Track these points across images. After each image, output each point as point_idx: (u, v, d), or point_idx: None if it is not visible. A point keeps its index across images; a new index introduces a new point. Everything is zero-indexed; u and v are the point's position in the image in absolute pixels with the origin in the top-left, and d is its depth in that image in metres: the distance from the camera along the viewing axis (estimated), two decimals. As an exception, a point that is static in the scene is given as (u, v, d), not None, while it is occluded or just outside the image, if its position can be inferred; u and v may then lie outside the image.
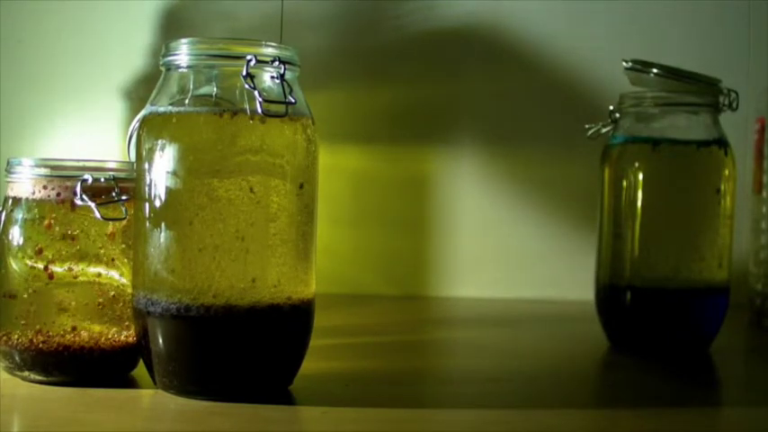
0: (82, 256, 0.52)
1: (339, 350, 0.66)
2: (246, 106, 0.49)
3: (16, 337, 0.52)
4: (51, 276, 0.52)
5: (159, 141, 0.49)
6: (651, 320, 0.67)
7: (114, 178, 0.52)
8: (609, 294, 0.69)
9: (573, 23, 0.96)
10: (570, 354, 0.69)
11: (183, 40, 0.50)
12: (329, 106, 0.93)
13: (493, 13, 0.95)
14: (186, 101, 0.50)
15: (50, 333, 0.51)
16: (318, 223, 0.53)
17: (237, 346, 0.49)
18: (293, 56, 0.51)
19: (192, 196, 0.48)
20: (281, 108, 0.49)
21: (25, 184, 0.53)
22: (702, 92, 0.68)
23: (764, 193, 0.81)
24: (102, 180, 0.52)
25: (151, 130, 0.50)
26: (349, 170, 0.95)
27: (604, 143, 0.71)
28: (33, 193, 0.52)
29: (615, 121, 0.71)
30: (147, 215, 0.50)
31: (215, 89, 0.50)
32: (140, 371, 0.53)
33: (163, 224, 0.49)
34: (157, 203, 0.49)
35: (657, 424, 0.50)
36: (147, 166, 0.50)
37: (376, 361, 0.64)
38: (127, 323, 0.53)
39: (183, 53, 0.50)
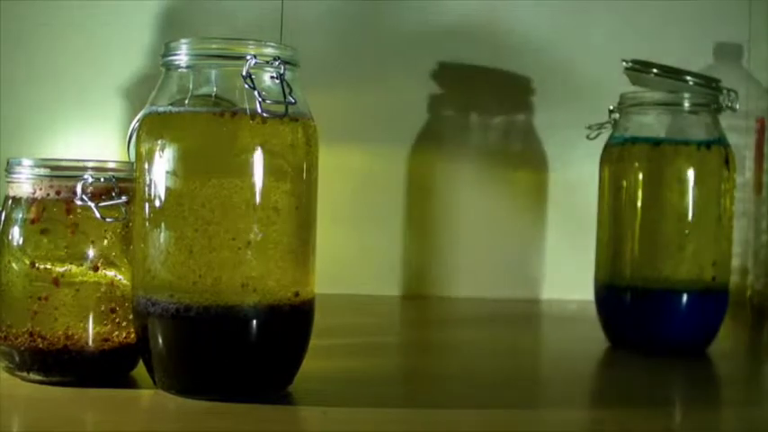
0: (82, 257, 0.52)
1: (339, 350, 0.66)
2: (246, 106, 0.49)
3: (16, 337, 0.52)
4: (51, 276, 0.52)
5: (159, 141, 0.49)
6: (651, 320, 0.67)
7: (114, 178, 0.52)
8: (609, 294, 0.69)
9: (573, 23, 0.95)
10: (570, 354, 0.69)
11: (183, 40, 0.50)
12: (329, 106, 0.92)
13: (493, 14, 0.95)
14: (186, 101, 0.50)
15: (50, 333, 0.51)
16: (318, 223, 0.53)
17: (237, 346, 0.49)
18: (293, 56, 0.51)
19: (191, 196, 0.48)
20: (281, 108, 0.49)
21: (25, 184, 0.52)
22: (702, 92, 0.68)
23: (764, 193, 0.81)
24: (102, 180, 0.52)
25: (151, 130, 0.50)
26: (349, 170, 0.95)
27: (604, 143, 0.71)
28: (33, 193, 0.52)
29: (615, 121, 0.71)
30: (147, 215, 0.50)
31: (215, 89, 0.50)
32: (140, 371, 0.53)
33: (162, 224, 0.49)
34: (157, 203, 0.49)
35: (657, 424, 0.50)
36: (146, 166, 0.50)
37: (376, 361, 0.64)
38: (126, 323, 0.53)
39: (182, 53, 0.50)
